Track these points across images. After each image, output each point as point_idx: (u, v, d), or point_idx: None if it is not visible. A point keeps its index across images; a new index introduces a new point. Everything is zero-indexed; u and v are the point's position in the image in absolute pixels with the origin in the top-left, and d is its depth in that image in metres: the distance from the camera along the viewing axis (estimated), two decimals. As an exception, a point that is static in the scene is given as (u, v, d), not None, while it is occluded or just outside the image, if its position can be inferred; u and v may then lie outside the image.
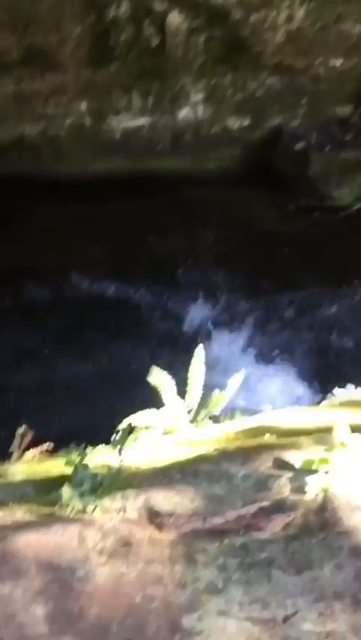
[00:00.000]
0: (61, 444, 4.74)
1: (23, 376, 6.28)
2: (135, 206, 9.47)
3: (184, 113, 9.48)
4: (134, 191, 9.56)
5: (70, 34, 8.39)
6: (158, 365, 4.75)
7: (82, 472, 3.23)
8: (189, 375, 4.76)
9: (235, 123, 9.78)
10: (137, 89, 9.26)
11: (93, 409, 5.65)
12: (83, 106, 9.24)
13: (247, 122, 9.79)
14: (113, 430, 4.87)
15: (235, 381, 4.67)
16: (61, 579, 2.40)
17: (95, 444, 5.06)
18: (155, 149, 9.79)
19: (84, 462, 3.36)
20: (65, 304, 7.54)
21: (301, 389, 6.59)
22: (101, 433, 4.42)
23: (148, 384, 4.52)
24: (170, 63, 8.98)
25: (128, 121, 9.56)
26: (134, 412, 4.69)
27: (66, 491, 2.84)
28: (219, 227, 9.14)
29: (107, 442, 4.62)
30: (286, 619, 2.27)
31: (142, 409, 4.70)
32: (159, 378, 4.82)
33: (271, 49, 9.13)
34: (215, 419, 4.73)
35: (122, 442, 3.44)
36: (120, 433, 3.65)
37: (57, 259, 8.38)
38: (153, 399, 4.52)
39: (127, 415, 4.91)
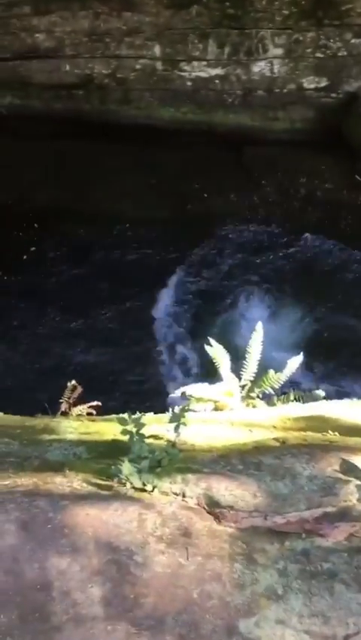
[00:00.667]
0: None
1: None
2: (196, 160, 9.20)
3: (259, 68, 9.07)
4: (197, 143, 9.28)
5: (154, -28, 8.01)
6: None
7: (139, 445, 3.18)
8: (248, 350, 4.66)
9: (310, 83, 9.33)
10: (214, 37, 8.87)
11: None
12: (157, 50, 8.90)
13: (323, 83, 9.32)
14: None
15: (294, 362, 4.54)
16: (118, 562, 2.36)
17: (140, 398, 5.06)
18: (224, 102, 9.44)
19: (140, 432, 3.31)
20: (111, 246, 7.40)
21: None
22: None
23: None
24: (252, 12, 8.53)
25: (201, 70, 9.19)
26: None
27: (127, 467, 2.78)
28: (281, 191, 8.84)
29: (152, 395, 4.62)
30: (347, 638, 2.20)
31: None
32: (216, 350, 4.73)
33: (360, 9, 8.60)
34: (268, 399, 4.66)
35: (178, 419, 3.36)
36: (176, 409, 3.56)
37: (108, 202, 8.24)
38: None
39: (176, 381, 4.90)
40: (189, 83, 9.18)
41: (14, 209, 8.18)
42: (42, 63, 9.05)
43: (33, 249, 7.41)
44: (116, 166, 8.83)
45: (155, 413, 4.26)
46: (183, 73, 9.11)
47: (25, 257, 7.31)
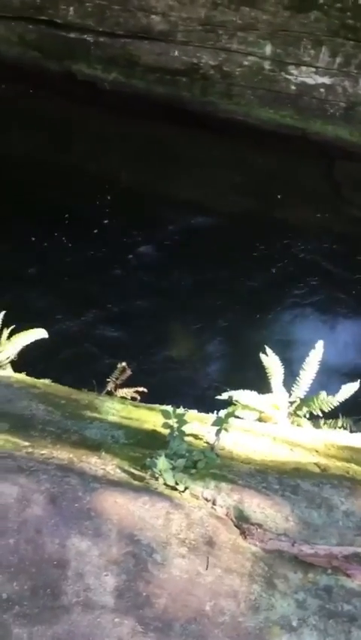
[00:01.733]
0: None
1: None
2: (285, 165, 9.03)
3: (369, 83, 8.79)
4: (289, 148, 9.10)
5: (280, -30, 7.87)
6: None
7: (178, 442, 3.14)
8: (304, 367, 4.54)
9: None
10: (328, 45, 8.64)
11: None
12: (268, 49, 8.74)
13: None
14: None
15: (349, 388, 4.40)
16: (138, 556, 2.32)
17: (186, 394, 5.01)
18: (325, 112, 9.20)
19: (181, 429, 3.27)
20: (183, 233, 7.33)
21: None
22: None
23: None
24: (372, 26, 8.27)
25: (308, 76, 8.99)
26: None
27: (162, 462, 2.74)
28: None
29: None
30: None
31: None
32: (271, 361, 4.64)
33: None
34: (315, 420, 4.53)
35: (221, 423, 3.30)
36: (221, 413, 3.50)
37: (190, 190, 8.18)
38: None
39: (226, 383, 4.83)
40: (293, 87, 9.00)
41: (96, 180, 8.22)
42: (152, 45, 9.05)
43: (105, 221, 7.45)
44: (204, 157, 8.79)
45: (198, 411, 4.22)
46: (289, 77, 8.93)
47: (95, 231, 7.34)
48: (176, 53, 9.16)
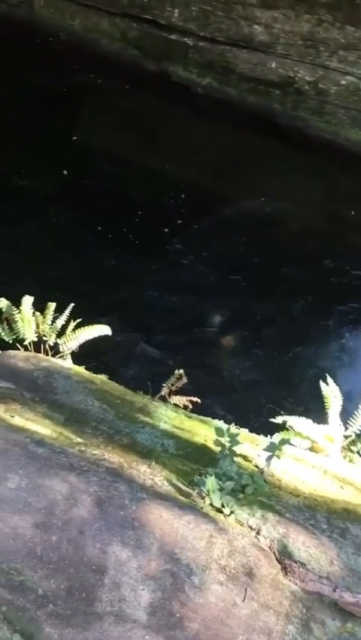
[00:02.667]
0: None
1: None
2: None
3: None
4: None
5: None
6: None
7: (229, 462, 3.09)
8: (364, 400, 4.41)
9: None
10: None
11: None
12: (368, 69, 8.56)
13: None
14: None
15: None
16: (176, 575, 2.29)
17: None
18: None
19: (233, 449, 3.22)
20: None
21: None
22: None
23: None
24: None
25: None
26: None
27: (211, 483, 2.71)
28: None
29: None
30: None
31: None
32: (331, 390, 4.52)
33: None
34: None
35: (274, 450, 3.23)
36: (275, 438, 3.43)
37: (267, 201, 8.10)
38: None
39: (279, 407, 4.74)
40: (389, 111, 8.80)
41: (176, 180, 8.24)
42: (250, 54, 9.02)
43: (179, 222, 7.45)
44: (287, 170, 8.70)
45: (250, 430, 4.15)
46: (386, 100, 8.73)
47: (166, 230, 7.36)
48: (273, 65, 9.10)
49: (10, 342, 4.68)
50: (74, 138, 8.48)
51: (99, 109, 9.31)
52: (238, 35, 8.85)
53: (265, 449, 3.28)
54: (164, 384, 4.78)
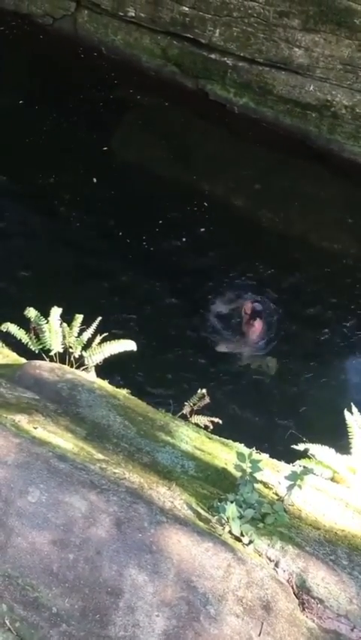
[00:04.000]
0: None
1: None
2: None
3: None
4: None
5: None
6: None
7: (249, 489, 3.05)
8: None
9: None
10: None
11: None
12: None
13: None
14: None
15: None
16: (192, 603, 2.26)
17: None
18: None
19: (254, 474, 3.18)
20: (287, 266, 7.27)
21: None
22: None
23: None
24: None
25: None
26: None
27: (231, 510, 2.67)
28: None
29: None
30: None
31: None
32: (355, 420, 4.46)
33: None
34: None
35: (295, 479, 3.18)
36: (296, 467, 3.38)
37: (299, 224, 8.07)
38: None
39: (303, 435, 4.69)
40: None
41: (207, 198, 8.26)
42: (289, 76, 9.04)
43: (205, 244, 7.46)
44: (319, 193, 8.67)
45: (270, 455, 4.10)
46: None
47: (191, 252, 7.37)
48: (311, 88, 9.11)
49: (37, 351, 4.71)
50: (105, 149, 8.57)
51: (136, 123, 9.41)
52: (277, 57, 8.88)
53: (286, 477, 3.23)
54: (186, 403, 4.76)
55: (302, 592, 2.41)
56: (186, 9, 9.05)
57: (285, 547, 2.55)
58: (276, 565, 2.50)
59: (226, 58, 9.23)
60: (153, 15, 9.29)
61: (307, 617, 2.35)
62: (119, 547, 2.35)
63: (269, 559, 2.51)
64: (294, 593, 2.42)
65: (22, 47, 9.57)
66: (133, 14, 9.36)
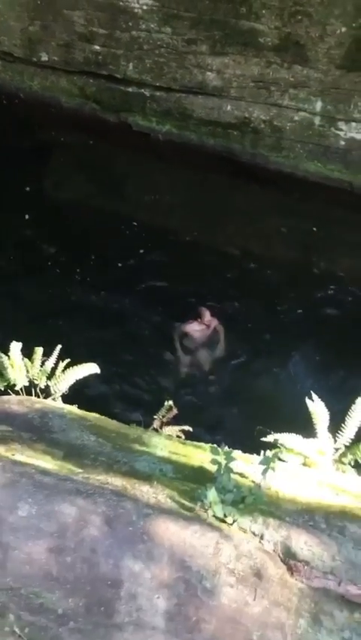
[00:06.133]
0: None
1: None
2: (331, 216, 9.20)
3: None
4: (336, 200, 9.28)
5: (333, 32, 8.20)
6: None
7: (226, 478, 3.22)
8: (350, 414, 4.58)
9: None
10: (378, 102, 8.88)
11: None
12: (318, 105, 9.04)
13: None
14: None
15: None
16: (188, 581, 2.40)
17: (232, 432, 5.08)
18: (373, 167, 9.38)
19: (229, 465, 3.35)
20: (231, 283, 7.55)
21: None
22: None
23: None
24: None
25: (358, 132, 9.23)
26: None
27: (212, 494, 2.83)
28: None
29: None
30: None
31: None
32: (317, 406, 4.69)
33: None
34: (359, 469, 4.53)
35: (268, 462, 3.37)
36: (267, 454, 3.57)
37: (238, 238, 8.39)
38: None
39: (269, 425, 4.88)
40: (342, 142, 9.24)
41: (145, 227, 8.53)
42: (206, 99, 9.46)
43: (151, 267, 7.69)
44: (252, 206, 9.04)
45: (243, 452, 4.28)
46: (338, 132, 9.18)
47: (141, 276, 7.58)
48: (228, 108, 9.55)
49: (2, 388, 4.79)
50: (27, 189, 8.75)
51: (63, 161, 9.62)
52: (192, 83, 9.29)
53: (259, 463, 3.41)
54: (155, 417, 4.91)
55: (288, 557, 2.58)
56: (98, 47, 9.41)
57: (267, 521, 2.72)
58: (261, 537, 2.66)
59: (143, 90, 9.60)
60: (66, 57, 9.61)
61: (296, 579, 2.52)
62: (113, 542, 2.48)
63: (254, 533, 2.68)
64: (281, 559, 2.58)
65: None
66: (46, 58, 9.65)
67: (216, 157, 9.55)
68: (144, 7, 9.00)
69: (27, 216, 8.30)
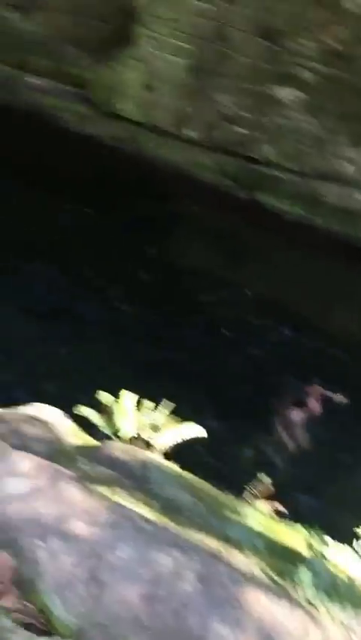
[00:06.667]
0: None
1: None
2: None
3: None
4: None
5: None
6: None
7: (320, 564, 3.19)
8: None
9: None
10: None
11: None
12: None
13: None
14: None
15: None
16: (272, 657, 2.39)
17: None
18: None
19: (324, 553, 3.32)
20: None
21: None
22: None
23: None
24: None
25: None
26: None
27: (306, 576, 2.82)
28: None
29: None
30: None
31: None
32: None
33: None
34: None
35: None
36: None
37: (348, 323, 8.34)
38: None
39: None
40: None
41: (258, 303, 8.71)
42: (338, 188, 9.71)
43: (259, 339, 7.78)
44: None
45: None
46: None
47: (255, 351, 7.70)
48: (359, 197, 9.72)
49: (109, 434, 5.00)
50: (153, 252, 9.20)
51: (193, 233, 10.10)
52: (329, 171, 9.59)
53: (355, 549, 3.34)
54: (247, 487, 4.90)
55: (378, 656, 2.50)
56: (241, 129, 9.98)
57: (358, 613, 2.66)
58: (350, 629, 2.61)
59: (278, 172, 10.00)
60: (210, 135, 10.24)
61: None
62: (204, 601, 2.53)
63: (342, 623, 2.63)
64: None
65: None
66: (192, 135, 10.34)
67: (341, 243, 9.68)
68: (290, 97, 9.53)
69: (141, 274, 8.75)
